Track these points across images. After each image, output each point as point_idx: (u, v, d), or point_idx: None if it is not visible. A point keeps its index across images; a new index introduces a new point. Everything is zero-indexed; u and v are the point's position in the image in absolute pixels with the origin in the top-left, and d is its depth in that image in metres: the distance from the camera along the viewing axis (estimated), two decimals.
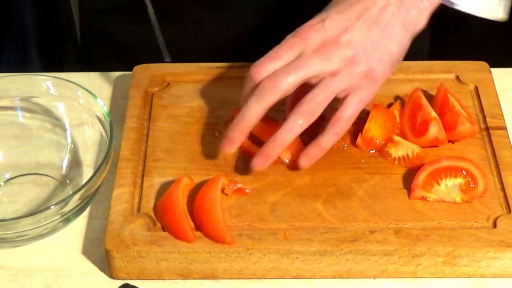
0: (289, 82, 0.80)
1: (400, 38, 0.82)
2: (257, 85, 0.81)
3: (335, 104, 0.82)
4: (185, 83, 0.96)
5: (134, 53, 1.05)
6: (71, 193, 0.84)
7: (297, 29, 0.82)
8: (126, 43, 1.10)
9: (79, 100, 0.89)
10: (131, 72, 0.98)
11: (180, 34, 1.05)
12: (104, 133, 0.87)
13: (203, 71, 0.97)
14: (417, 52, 0.89)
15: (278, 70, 0.81)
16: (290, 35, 0.82)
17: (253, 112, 0.81)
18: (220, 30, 1.05)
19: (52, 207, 0.78)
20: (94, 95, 0.87)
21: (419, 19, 0.83)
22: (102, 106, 0.87)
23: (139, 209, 0.82)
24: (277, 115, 0.87)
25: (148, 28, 1.03)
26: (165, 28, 1.03)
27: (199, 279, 0.80)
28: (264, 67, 0.81)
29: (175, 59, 1.01)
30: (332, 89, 0.81)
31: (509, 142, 0.88)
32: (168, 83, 0.96)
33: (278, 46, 0.82)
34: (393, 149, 0.87)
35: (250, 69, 0.82)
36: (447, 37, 1.37)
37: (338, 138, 0.83)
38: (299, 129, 0.81)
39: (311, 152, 0.83)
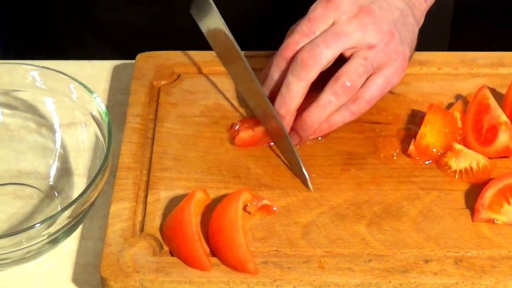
0: (330, 52, 0.83)
1: (413, 25, 0.89)
2: (289, 64, 0.85)
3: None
4: (199, 75, 0.97)
5: (136, 38, 1.06)
6: (59, 208, 0.84)
7: None
8: (126, 27, 1.09)
9: (71, 95, 0.89)
10: (133, 61, 0.98)
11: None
12: (100, 136, 0.87)
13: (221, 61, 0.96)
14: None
15: (316, 39, 0.84)
16: (318, 3, 0.86)
17: (295, 91, 0.84)
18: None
19: (37, 225, 0.77)
20: (89, 90, 0.87)
21: (421, 18, 0.92)
22: (98, 102, 0.86)
23: (142, 229, 0.82)
24: None
25: (153, 10, 1.04)
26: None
27: None
28: (299, 44, 0.85)
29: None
30: (371, 62, 0.85)
31: None
32: (179, 76, 0.96)
33: (308, 18, 0.85)
34: (453, 159, 0.86)
35: (280, 50, 0.85)
36: None
37: (352, 118, 0.87)
38: (335, 106, 0.85)
39: (319, 125, 0.86)
